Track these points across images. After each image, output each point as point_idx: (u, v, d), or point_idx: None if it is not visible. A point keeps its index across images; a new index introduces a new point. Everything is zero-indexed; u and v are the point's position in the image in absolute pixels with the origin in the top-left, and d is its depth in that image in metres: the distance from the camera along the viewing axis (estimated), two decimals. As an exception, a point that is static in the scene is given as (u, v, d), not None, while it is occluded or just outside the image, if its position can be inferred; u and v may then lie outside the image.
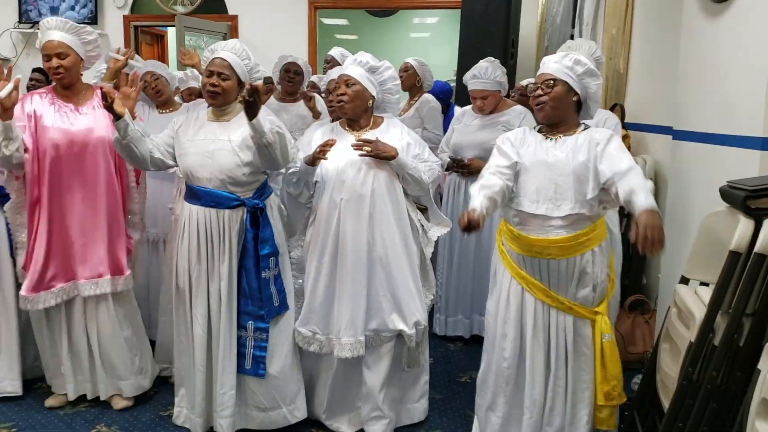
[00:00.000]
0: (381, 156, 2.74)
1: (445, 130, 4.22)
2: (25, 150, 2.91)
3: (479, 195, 2.35)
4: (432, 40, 10.78)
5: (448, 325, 4.01)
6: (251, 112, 2.57)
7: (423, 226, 2.97)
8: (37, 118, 2.96)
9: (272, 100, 4.39)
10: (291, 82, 4.39)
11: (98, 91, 2.81)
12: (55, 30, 2.95)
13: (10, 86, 2.76)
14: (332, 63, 4.34)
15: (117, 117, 2.65)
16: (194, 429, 2.93)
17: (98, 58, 3.16)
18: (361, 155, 2.69)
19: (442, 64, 8.53)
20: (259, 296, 2.83)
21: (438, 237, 3.06)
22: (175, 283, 2.91)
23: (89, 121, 3.00)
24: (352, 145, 2.73)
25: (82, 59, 3.02)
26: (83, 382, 3.19)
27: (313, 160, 2.78)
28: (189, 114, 2.96)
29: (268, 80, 4.52)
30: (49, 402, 3.21)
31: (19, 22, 6.87)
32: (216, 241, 2.80)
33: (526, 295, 2.51)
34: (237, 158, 2.74)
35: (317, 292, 2.89)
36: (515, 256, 2.52)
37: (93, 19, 6.78)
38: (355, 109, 2.87)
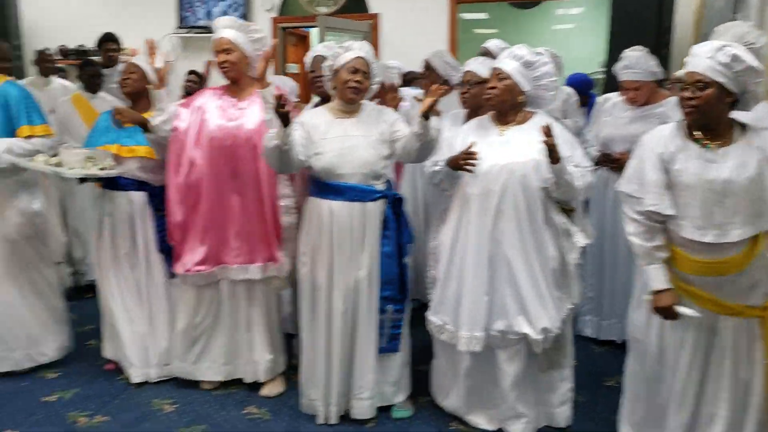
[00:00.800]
0: (553, 154, 2.61)
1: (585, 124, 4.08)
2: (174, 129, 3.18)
3: (656, 270, 2.33)
4: (576, 32, 10.39)
5: (601, 329, 3.87)
6: (426, 115, 2.69)
7: (568, 230, 2.84)
8: (203, 111, 3.17)
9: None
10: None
11: (259, 93, 2.93)
12: (225, 28, 3.13)
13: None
14: (487, 56, 4.30)
15: (286, 123, 2.73)
16: (329, 417, 3.02)
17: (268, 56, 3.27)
18: (542, 141, 2.59)
19: (586, 57, 8.22)
20: (400, 281, 2.94)
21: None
22: (309, 278, 2.98)
23: (242, 115, 3.15)
24: (541, 127, 2.59)
25: (247, 56, 3.16)
26: (231, 365, 3.36)
27: (457, 167, 2.81)
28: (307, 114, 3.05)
29: (413, 75, 4.56)
30: (204, 384, 3.40)
31: (178, 27, 7.33)
32: (358, 233, 2.89)
33: (688, 302, 2.35)
34: (376, 152, 2.87)
35: (449, 282, 2.90)
36: (679, 272, 2.37)
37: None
38: (502, 104, 2.82)
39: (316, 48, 3.48)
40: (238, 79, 3.18)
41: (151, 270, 3.44)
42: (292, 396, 3.27)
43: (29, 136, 3.38)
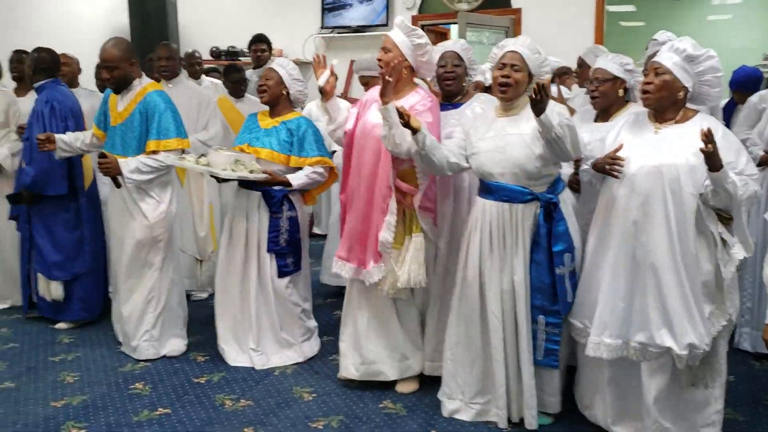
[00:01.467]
0: (712, 161, 2.41)
1: (726, 123, 3.74)
2: (345, 133, 3.26)
3: None
4: (734, 23, 9.66)
5: (760, 342, 3.56)
6: (538, 108, 2.54)
7: (725, 241, 2.60)
8: (366, 107, 3.24)
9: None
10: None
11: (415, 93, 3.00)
12: (396, 27, 3.16)
13: (327, 73, 3.14)
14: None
15: (414, 131, 2.77)
16: (500, 422, 2.96)
17: (431, 66, 3.23)
18: (701, 149, 2.40)
19: (748, 48, 7.62)
20: (552, 292, 2.80)
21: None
22: (462, 275, 2.96)
23: (378, 116, 3.14)
24: (701, 132, 2.38)
25: (406, 59, 3.11)
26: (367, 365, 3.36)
27: (603, 171, 2.68)
28: (476, 115, 3.01)
29: (563, 70, 4.42)
30: (341, 374, 3.46)
31: (321, 27, 7.55)
32: (509, 235, 2.82)
33: None
34: (529, 151, 2.74)
35: (590, 286, 2.77)
36: None
37: (385, 21, 7.21)
38: (660, 100, 2.63)
39: (447, 44, 3.38)
40: (396, 79, 3.16)
41: (262, 267, 3.58)
42: (428, 393, 3.26)
43: (155, 151, 3.54)
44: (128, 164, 3.51)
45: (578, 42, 4.54)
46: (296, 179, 3.50)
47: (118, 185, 3.59)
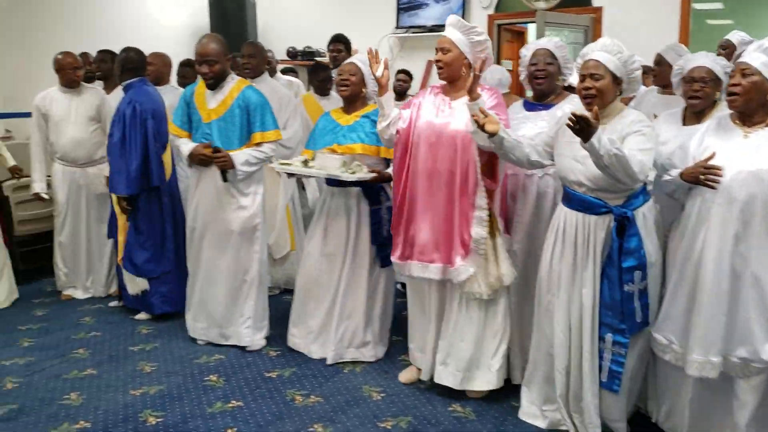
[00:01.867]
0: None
1: None
2: (397, 132, 3.21)
3: None
4: (830, 21, 9.15)
5: None
6: (583, 135, 2.44)
7: None
8: (419, 107, 3.20)
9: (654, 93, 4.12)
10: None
11: (468, 106, 2.95)
12: (450, 27, 3.11)
13: (381, 66, 3.10)
14: (729, 49, 3.93)
15: (490, 135, 2.74)
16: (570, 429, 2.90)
17: (489, 61, 3.19)
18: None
19: None
20: (621, 309, 2.68)
21: None
22: (540, 282, 2.90)
23: (452, 114, 3.11)
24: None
25: (466, 57, 3.09)
26: (436, 364, 3.33)
27: (695, 182, 2.56)
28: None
29: (644, 69, 4.27)
30: (403, 376, 3.45)
31: (396, 27, 7.55)
32: (581, 247, 2.74)
33: None
34: None
35: (677, 299, 2.65)
36: None
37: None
38: (747, 103, 2.51)
39: (540, 42, 3.32)
40: (454, 78, 3.15)
41: (357, 260, 3.60)
42: (498, 398, 3.22)
43: (260, 143, 3.66)
44: (238, 157, 3.63)
45: (662, 41, 4.36)
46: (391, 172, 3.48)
47: (225, 179, 3.67)
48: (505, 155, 2.85)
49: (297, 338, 3.79)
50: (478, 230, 3.06)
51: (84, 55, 5.11)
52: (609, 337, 2.70)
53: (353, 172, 3.36)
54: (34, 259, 5.34)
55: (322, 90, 4.98)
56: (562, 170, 2.79)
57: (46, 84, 4.86)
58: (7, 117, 5.24)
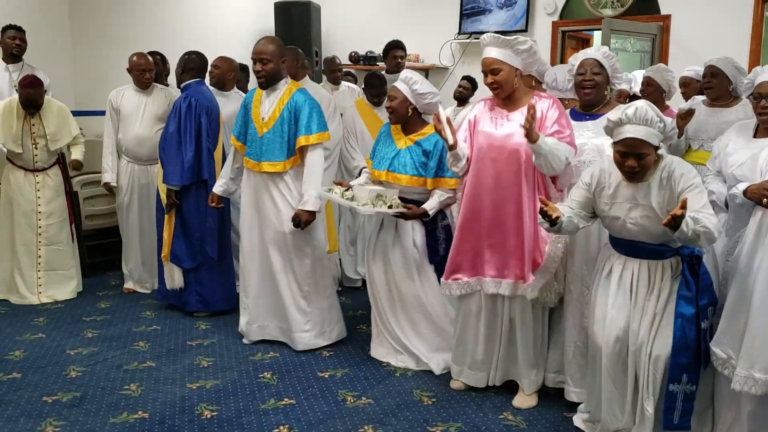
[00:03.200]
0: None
1: None
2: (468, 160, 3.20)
3: None
4: None
5: None
6: (674, 226, 2.38)
7: None
8: (475, 123, 3.20)
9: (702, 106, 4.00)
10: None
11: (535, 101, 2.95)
12: (489, 47, 3.08)
13: (448, 130, 3.11)
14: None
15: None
16: None
17: (536, 63, 3.19)
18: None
19: None
20: (696, 347, 2.58)
21: None
22: (596, 328, 2.81)
23: (512, 127, 3.08)
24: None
25: (518, 69, 3.09)
26: (492, 371, 3.33)
27: (758, 201, 2.49)
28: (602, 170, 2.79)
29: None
30: (454, 383, 3.43)
31: (459, 33, 7.54)
32: (642, 293, 2.67)
33: None
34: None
35: (736, 314, 2.57)
36: None
37: (524, 26, 7.10)
38: None
39: (588, 51, 3.24)
40: (510, 94, 3.13)
41: (413, 278, 3.59)
42: (548, 408, 3.19)
43: (304, 148, 3.68)
44: (306, 204, 3.65)
45: (732, 49, 4.24)
46: (431, 207, 3.46)
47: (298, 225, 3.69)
48: (562, 233, 2.82)
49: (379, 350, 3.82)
50: (554, 248, 3.06)
51: (156, 55, 5.26)
52: (684, 377, 2.59)
53: (390, 206, 3.40)
54: (100, 252, 5.54)
55: (376, 101, 4.92)
56: (615, 231, 2.71)
57: (117, 84, 5.04)
58: (79, 115, 5.43)
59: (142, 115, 4.83)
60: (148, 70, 4.83)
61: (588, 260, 3.08)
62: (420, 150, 3.51)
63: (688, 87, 4.94)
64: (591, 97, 3.14)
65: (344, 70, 6.28)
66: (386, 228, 3.64)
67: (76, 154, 4.82)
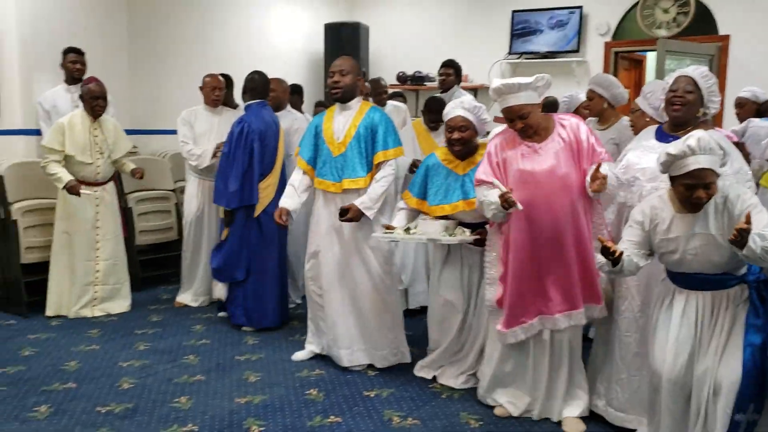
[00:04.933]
0: None
1: None
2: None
3: None
4: None
5: None
6: (741, 245, 2.35)
7: None
8: (506, 165, 3.13)
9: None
10: None
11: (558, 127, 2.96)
12: (509, 95, 3.02)
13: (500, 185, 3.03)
14: None
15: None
16: None
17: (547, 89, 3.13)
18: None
19: None
20: (764, 375, 2.49)
21: None
22: (659, 364, 2.72)
23: (549, 158, 3.04)
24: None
25: (538, 104, 3.05)
26: (536, 401, 3.28)
27: None
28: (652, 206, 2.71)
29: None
30: (498, 410, 3.36)
31: (509, 53, 7.53)
32: (707, 324, 2.60)
33: None
34: (723, 251, 2.51)
35: None
36: None
37: (576, 47, 7.05)
38: None
39: (686, 69, 3.07)
40: (536, 130, 3.08)
41: (476, 307, 3.59)
42: (601, 435, 3.11)
43: (381, 163, 3.71)
44: (363, 202, 3.65)
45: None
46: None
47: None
48: (623, 276, 2.78)
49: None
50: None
51: (223, 77, 5.41)
52: (751, 407, 2.50)
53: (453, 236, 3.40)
54: (152, 267, 5.66)
55: (433, 126, 4.85)
56: (673, 266, 2.64)
57: (172, 105, 5.21)
58: (136, 134, 5.59)
59: (214, 134, 4.98)
60: (218, 89, 5.01)
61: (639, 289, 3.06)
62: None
63: (743, 108, 4.83)
64: (679, 114, 2.95)
65: (390, 91, 6.28)
66: (453, 258, 3.62)
67: (133, 165, 4.96)
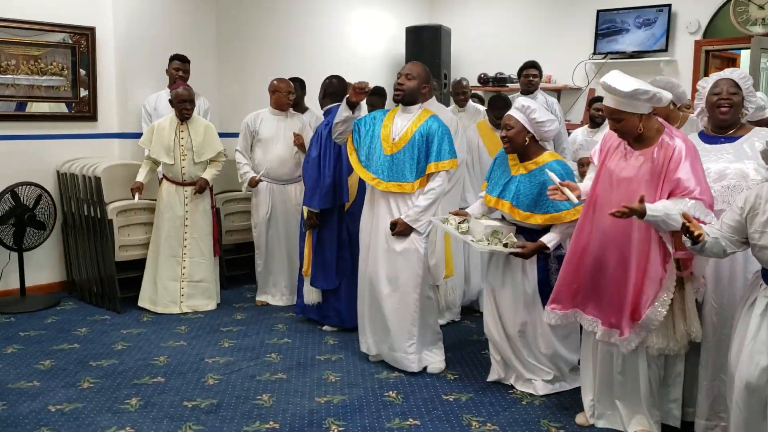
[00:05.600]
0: None
1: None
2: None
3: None
4: None
5: None
6: None
7: None
8: (608, 154, 3.08)
9: None
10: None
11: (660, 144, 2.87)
12: (607, 93, 2.94)
13: (569, 194, 3.03)
14: None
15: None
16: None
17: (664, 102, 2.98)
18: None
19: None
20: None
21: None
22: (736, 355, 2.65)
23: (633, 170, 2.95)
24: None
25: (639, 113, 2.89)
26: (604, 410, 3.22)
27: None
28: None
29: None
30: (578, 419, 3.31)
31: (593, 53, 7.35)
32: None
33: None
34: None
35: None
36: None
37: (664, 46, 6.82)
38: None
39: (722, 73, 3.06)
40: (642, 139, 2.97)
41: (526, 308, 3.54)
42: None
43: (432, 174, 3.71)
44: (409, 215, 3.70)
45: None
46: (550, 240, 3.39)
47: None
48: (705, 255, 2.65)
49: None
50: (656, 312, 2.87)
51: (296, 81, 5.52)
52: None
53: (505, 244, 3.36)
54: (237, 266, 5.83)
55: (499, 124, 4.70)
56: (765, 262, 2.52)
57: (257, 107, 5.34)
58: (222, 137, 5.77)
59: (282, 137, 5.10)
60: (288, 93, 5.10)
61: (720, 295, 2.97)
62: (536, 182, 3.43)
63: None
64: (728, 116, 2.99)
65: (472, 92, 6.25)
66: (494, 263, 3.61)
67: (208, 174, 5.09)
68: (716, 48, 6.81)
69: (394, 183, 3.77)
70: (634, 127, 2.91)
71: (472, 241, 3.44)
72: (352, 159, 3.93)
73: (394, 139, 3.80)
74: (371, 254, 3.89)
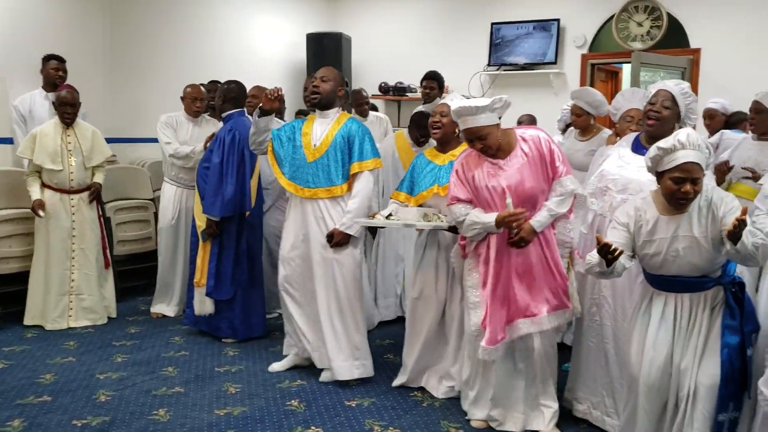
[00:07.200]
0: None
1: None
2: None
3: None
4: None
5: None
6: (735, 238, 2.37)
7: None
8: (474, 183, 3.16)
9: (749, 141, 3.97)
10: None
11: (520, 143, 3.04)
12: (466, 117, 3.04)
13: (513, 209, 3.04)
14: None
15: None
16: None
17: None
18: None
19: None
20: (742, 374, 2.55)
21: None
22: (634, 366, 2.75)
23: (512, 174, 3.07)
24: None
25: (496, 125, 3.07)
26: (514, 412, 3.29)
27: None
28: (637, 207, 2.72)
29: (740, 116, 4.15)
30: (475, 423, 3.35)
31: (488, 64, 7.59)
32: (683, 328, 2.63)
33: None
34: (705, 253, 2.55)
35: None
36: None
37: (553, 59, 7.14)
38: None
39: (667, 83, 3.09)
40: (500, 148, 3.11)
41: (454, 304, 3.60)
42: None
43: (356, 174, 3.71)
44: (344, 224, 3.66)
45: (762, 84, 4.22)
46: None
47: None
48: (613, 277, 2.73)
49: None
50: (578, 267, 3.09)
51: (213, 84, 5.39)
52: (731, 406, 2.55)
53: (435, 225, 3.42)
54: (131, 278, 5.61)
55: (419, 141, 4.66)
56: (654, 268, 2.65)
57: (151, 113, 5.18)
58: (114, 142, 5.55)
59: (193, 143, 4.97)
60: (199, 99, 5.01)
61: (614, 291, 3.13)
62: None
63: (713, 120, 4.91)
64: (653, 129, 3.01)
65: (370, 101, 6.31)
66: (429, 248, 3.64)
67: (99, 179, 4.90)
68: (601, 61, 7.21)
69: (322, 188, 3.73)
70: (497, 138, 3.07)
71: (415, 222, 3.42)
72: (276, 172, 3.85)
73: (315, 145, 3.76)
74: (303, 264, 3.80)
